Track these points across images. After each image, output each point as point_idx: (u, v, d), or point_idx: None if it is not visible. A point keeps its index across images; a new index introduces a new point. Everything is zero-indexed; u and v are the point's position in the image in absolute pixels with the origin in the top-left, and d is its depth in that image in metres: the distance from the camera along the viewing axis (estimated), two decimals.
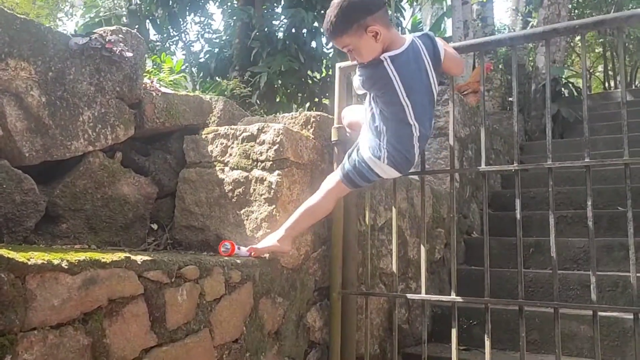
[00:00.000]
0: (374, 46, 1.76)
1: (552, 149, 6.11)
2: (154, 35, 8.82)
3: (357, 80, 1.91)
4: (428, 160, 4.08)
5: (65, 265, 1.29)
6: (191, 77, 8.74)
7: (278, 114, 2.54)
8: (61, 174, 1.98)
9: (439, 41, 1.95)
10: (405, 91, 1.80)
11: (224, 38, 8.32)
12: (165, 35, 8.62)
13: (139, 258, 1.49)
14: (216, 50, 7.81)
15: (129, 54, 2.07)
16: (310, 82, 6.92)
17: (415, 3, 7.94)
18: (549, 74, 1.99)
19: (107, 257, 1.42)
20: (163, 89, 2.30)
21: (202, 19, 8.90)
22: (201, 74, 7.22)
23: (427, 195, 3.41)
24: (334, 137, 2.29)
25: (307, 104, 7.42)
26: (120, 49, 2.06)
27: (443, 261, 3.55)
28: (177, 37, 9.64)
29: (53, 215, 1.92)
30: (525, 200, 4.37)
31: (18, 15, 1.74)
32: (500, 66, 8.56)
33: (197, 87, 7.97)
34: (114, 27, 2.17)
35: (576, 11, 9.32)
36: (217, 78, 7.56)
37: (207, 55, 7.85)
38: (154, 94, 2.24)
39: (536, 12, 8.63)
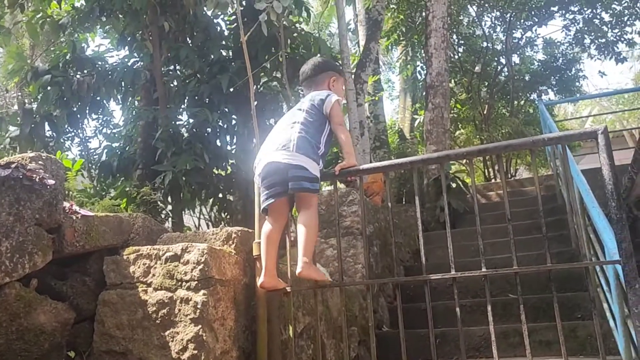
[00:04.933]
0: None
1: (445, 238, 6.45)
2: (48, 131, 8.59)
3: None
4: (337, 258, 4.27)
5: None
6: (89, 175, 8.49)
7: (193, 232, 2.61)
8: None
9: None
10: None
11: (123, 133, 8.26)
12: (60, 132, 8.41)
13: None
14: (115, 145, 7.72)
15: (51, 182, 2.08)
16: (215, 179, 7.02)
17: None
18: (475, 193, 2.28)
19: None
20: (82, 212, 2.31)
21: (103, 116, 8.82)
22: (102, 174, 7.05)
23: (339, 296, 3.56)
24: (255, 252, 2.40)
25: (211, 200, 7.47)
26: (40, 176, 2.07)
27: (358, 359, 3.65)
28: (73, 134, 9.42)
29: None
30: (429, 290, 4.65)
31: None
32: (393, 157, 9.24)
33: (95, 183, 7.76)
34: (33, 154, 2.18)
35: (457, 107, 10.46)
36: (118, 177, 7.44)
37: (107, 151, 7.73)
38: (74, 217, 2.25)
39: (421, 111, 9.56)
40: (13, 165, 2.00)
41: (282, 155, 2.29)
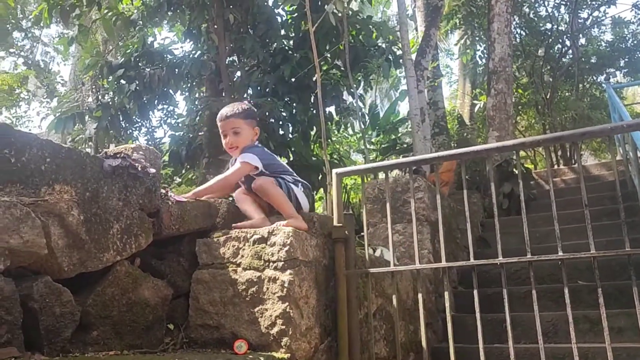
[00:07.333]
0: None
1: (509, 224, 6.43)
2: (122, 121, 9.06)
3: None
4: (403, 243, 4.38)
5: None
6: None
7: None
8: (91, 282, 2.12)
9: None
10: None
11: (186, 122, 8.60)
12: (131, 122, 8.86)
13: None
14: (178, 133, 8.04)
15: (152, 170, 2.29)
16: None
17: (370, 90, 8.54)
18: (550, 178, 2.34)
19: None
20: (176, 197, 2.51)
21: (168, 107, 9.21)
22: (172, 162, 7.42)
23: (408, 279, 3.67)
24: (334, 235, 2.54)
25: None
26: (143, 165, 2.28)
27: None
28: (140, 124, 9.87)
29: (85, 323, 2.04)
30: (493, 276, 4.69)
31: (63, 145, 1.95)
32: (453, 144, 9.17)
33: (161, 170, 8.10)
34: (134, 145, 2.40)
35: (518, 92, 10.23)
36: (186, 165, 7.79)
37: (170, 140, 8.06)
38: (170, 203, 2.45)
39: (482, 96, 9.43)
40: (120, 156, 2.21)
41: None
